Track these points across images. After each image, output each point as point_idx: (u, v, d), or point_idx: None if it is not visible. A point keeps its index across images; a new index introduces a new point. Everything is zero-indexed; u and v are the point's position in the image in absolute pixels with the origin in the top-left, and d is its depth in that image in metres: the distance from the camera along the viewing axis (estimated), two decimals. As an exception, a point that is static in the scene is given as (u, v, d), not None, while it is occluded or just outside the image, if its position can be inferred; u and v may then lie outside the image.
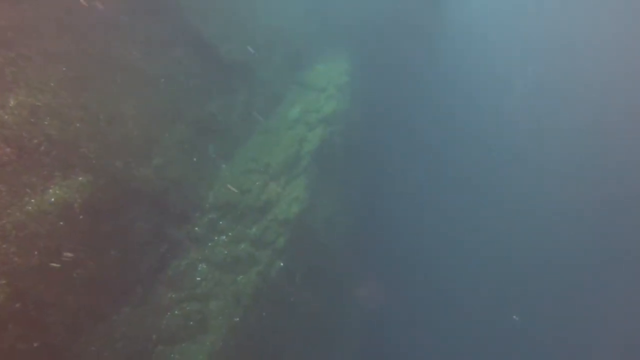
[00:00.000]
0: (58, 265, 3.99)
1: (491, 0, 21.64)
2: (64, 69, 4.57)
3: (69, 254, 4.03)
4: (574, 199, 16.47)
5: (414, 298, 13.05)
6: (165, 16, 6.77)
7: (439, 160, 15.76)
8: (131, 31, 5.90)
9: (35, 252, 3.84)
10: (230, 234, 6.91)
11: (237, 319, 6.25)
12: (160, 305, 5.88)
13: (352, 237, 9.93)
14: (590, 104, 19.07)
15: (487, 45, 20.02)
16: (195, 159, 7.06)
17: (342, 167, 9.96)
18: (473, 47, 19.11)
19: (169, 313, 5.98)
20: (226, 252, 6.69)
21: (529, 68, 19.43)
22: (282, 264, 7.12)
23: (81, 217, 4.17)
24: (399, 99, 13.40)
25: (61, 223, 3.93)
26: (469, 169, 16.41)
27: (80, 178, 4.26)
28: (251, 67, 9.31)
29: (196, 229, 6.66)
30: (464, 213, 15.53)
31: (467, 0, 18.36)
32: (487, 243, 14.99)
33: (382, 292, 10.72)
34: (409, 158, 14.25)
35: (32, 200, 3.92)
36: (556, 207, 16.30)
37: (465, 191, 15.97)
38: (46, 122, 4.12)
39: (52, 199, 4.01)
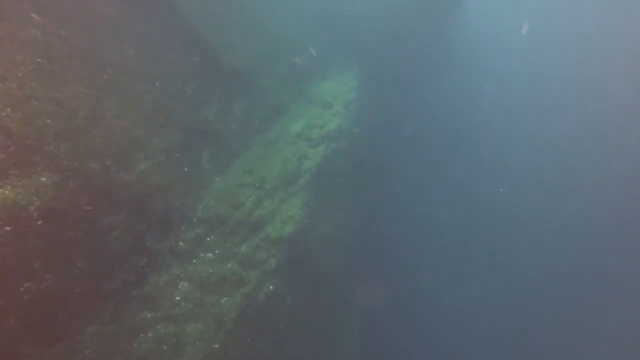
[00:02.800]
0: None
1: (502, 21, 21.82)
2: (39, 59, 4.18)
3: (13, 262, 3.49)
4: (575, 199, 16.49)
5: (416, 326, 12.50)
6: (165, 17, 6.47)
7: (445, 180, 15.42)
8: (126, 28, 5.57)
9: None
10: (217, 251, 6.38)
11: (217, 346, 5.66)
12: (133, 325, 5.31)
13: (350, 260, 9.35)
14: (587, 106, 18.97)
15: (497, 63, 19.99)
16: (186, 168, 6.62)
17: (343, 187, 9.48)
18: (483, 66, 19.00)
19: (141, 335, 5.40)
20: (211, 270, 6.15)
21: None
22: (271, 287, 6.55)
23: (39, 222, 3.69)
24: (407, 118, 13.08)
25: (7, 228, 3.44)
26: (476, 188, 16.26)
27: (43, 179, 3.80)
28: (254, 76, 8.99)
29: (180, 243, 6.15)
30: (468, 230, 15.36)
31: (477, 19, 18.35)
32: (488, 252, 14.97)
33: (380, 320, 10.06)
34: (414, 178, 13.85)
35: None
36: (557, 208, 16.31)
37: (472, 209, 15.80)
38: (4, 114, 3.68)
39: (-1, 201, 3.48)
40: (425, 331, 12.78)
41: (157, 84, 6.10)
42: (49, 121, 3.97)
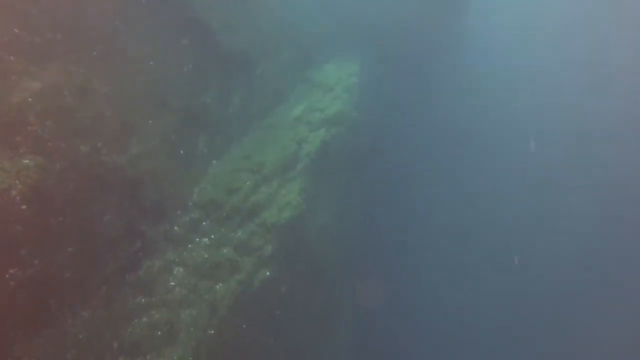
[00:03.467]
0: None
1: (508, 6, 21.52)
2: (23, 32, 3.97)
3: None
4: (576, 200, 16.39)
5: (416, 315, 12.51)
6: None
7: (446, 167, 15.26)
8: (119, 3, 5.32)
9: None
10: (212, 236, 6.28)
11: (211, 332, 5.60)
12: (126, 310, 5.25)
13: (348, 247, 9.26)
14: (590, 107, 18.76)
15: (503, 49, 19.74)
16: (181, 152, 6.47)
17: (343, 172, 9.32)
18: (490, 54, 18.71)
19: (135, 320, 5.34)
20: (206, 256, 6.06)
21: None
22: (268, 273, 6.47)
23: (24, 207, 3.56)
24: (409, 103, 12.83)
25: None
26: (477, 175, 16.24)
27: (26, 161, 3.65)
28: (254, 59, 8.75)
29: (175, 228, 6.04)
30: (469, 219, 15.32)
31: (486, 6, 17.98)
32: (488, 247, 14.89)
33: (378, 310, 10.04)
34: (415, 165, 13.67)
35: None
36: (558, 208, 16.27)
37: (473, 197, 15.82)
38: (-22, 91, 3.47)
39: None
40: (422, 326, 12.78)
41: (151, 63, 5.89)
42: (30, 99, 3.79)
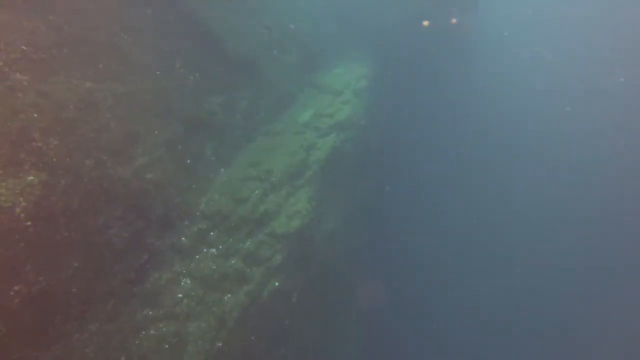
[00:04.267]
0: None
1: (519, 7, 21.31)
2: (23, 47, 3.95)
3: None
4: (578, 199, 16.27)
5: (424, 327, 12.31)
6: (166, 2, 6.16)
7: (460, 172, 15.06)
8: (122, 12, 5.29)
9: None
10: (220, 247, 6.20)
11: (219, 344, 5.52)
12: (134, 323, 5.19)
13: (358, 257, 9.11)
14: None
15: (514, 51, 19.50)
16: (188, 161, 6.41)
17: (353, 179, 9.18)
18: (501, 54, 18.47)
19: (143, 332, 5.28)
20: (214, 267, 5.98)
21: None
22: (277, 284, 6.37)
23: (28, 223, 3.51)
24: (421, 107, 12.62)
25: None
26: (487, 179, 16.05)
27: (30, 177, 3.61)
28: (260, 64, 8.67)
29: (183, 239, 5.97)
30: (476, 223, 15.16)
31: (496, 7, 17.78)
32: (496, 248, 14.81)
33: (388, 319, 9.84)
34: (427, 170, 13.47)
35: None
36: (559, 207, 16.19)
37: (481, 201, 15.66)
38: (-19, 109, 3.46)
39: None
40: (434, 332, 12.61)
41: (156, 73, 5.84)
42: (35, 115, 3.76)
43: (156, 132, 5.61)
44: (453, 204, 14.75)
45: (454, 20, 13.01)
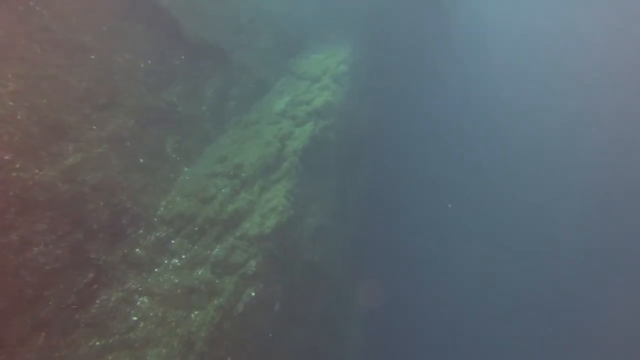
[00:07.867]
0: None
1: None
2: None
3: None
4: (579, 197, 16.12)
5: (420, 328, 11.62)
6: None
7: (446, 157, 14.43)
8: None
9: None
10: (184, 256, 5.31)
11: (188, 373, 4.64)
12: (76, 357, 4.29)
13: (347, 253, 8.28)
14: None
15: (501, 34, 18.98)
16: (141, 159, 5.50)
17: (338, 167, 8.34)
18: (485, 37, 17.91)
19: (89, 368, 4.39)
20: (177, 280, 5.09)
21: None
22: (253, 294, 5.50)
23: None
24: (404, 91, 11.85)
25: None
26: (478, 167, 15.79)
27: None
28: (228, 50, 7.79)
29: (137, 250, 5.07)
30: (470, 214, 14.89)
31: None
32: (491, 244, 14.50)
33: (383, 321, 9.03)
34: (413, 156, 12.74)
35: None
36: (560, 205, 15.98)
37: (473, 190, 15.32)
38: None
39: None
40: (430, 334, 11.97)
41: (92, 57, 4.92)
42: None
43: (94, 127, 4.70)
44: (443, 189, 14.12)
45: None
